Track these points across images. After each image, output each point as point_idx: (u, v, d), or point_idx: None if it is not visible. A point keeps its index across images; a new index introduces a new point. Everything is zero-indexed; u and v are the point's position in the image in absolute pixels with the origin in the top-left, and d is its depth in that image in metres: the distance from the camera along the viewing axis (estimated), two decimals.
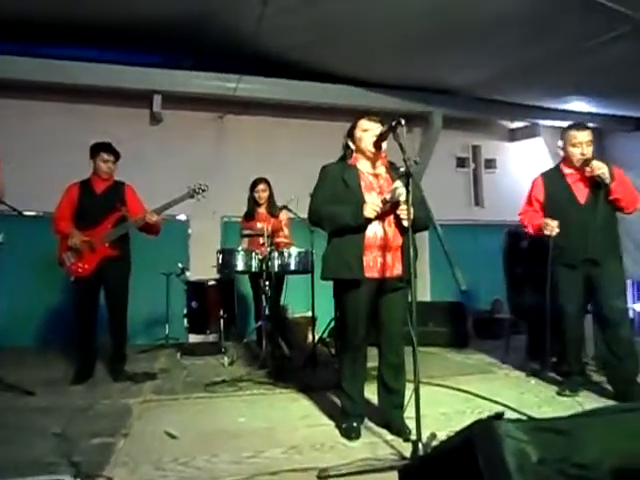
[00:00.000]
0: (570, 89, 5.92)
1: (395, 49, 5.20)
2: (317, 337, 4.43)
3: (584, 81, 5.54)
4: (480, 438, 1.16)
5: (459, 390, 3.29)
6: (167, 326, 5.05)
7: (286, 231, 4.60)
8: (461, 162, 7.23)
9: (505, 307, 5.19)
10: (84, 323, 3.62)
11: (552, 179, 3.26)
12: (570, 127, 3.17)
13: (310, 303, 4.40)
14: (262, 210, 4.66)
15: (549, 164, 7.08)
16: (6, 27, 4.95)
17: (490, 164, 7.33)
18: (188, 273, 4.81)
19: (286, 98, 6.01)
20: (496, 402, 2.94)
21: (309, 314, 5.01)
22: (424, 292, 6.25)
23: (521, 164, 7.40)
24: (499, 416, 1.21)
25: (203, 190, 3.75)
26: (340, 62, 5.64)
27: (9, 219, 3.70)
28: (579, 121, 3.49)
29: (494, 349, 4.59)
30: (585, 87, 5.70)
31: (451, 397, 3.17)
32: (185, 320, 4.64)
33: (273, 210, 4.55)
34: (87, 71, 5.37)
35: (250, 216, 4.62)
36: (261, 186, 4.63)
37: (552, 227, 3.06)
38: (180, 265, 4.84)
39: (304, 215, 4.40)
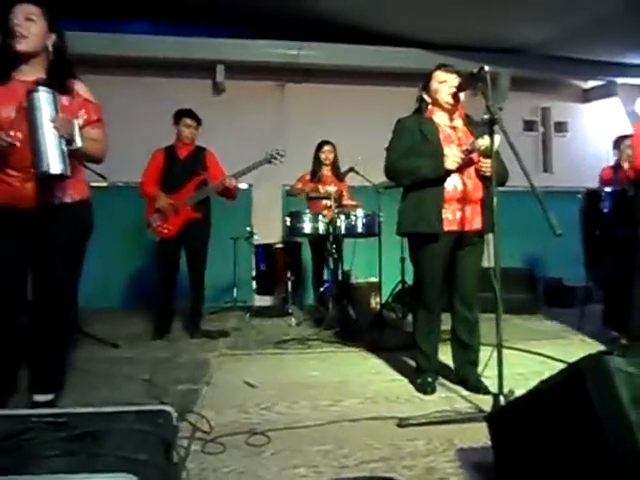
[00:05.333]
0: None
1: (458, 7, 4.98)
2: (383, 301, 4.42)
3: None
4: (590, 372, 1.13)
5: (534, 353, 3.19)
6: (235, 289, 5.22)
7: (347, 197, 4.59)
8: (529, 125, 6.90)
9: None
10: (166, 281, 3.79)
11: None
12: None
13: (373, 268, 4.38)
14: (327, 172, 4.67)
15: (626, 126, 6.65)
16: (77, 5, 5.13)
17: (561, 127, 6.95)
18: (256, 237, 4.91)
19: (348, 63, 5.93)
20: None
21: (372, 279, 5.01)
22: (489, 258, 6.06)
23: (595, 127, 6.97)
24: (609, 352, 1.16)
25: (281, 155, 3.80)
26: (401, 24, 5.47)
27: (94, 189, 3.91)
28: None
29: (567, 316, 4.42)
30: None
31: (526, 359, 3.09)
32: (253, 282, 4.78)
33: (338, 173, 4.54)
34: (153, 44, 5.52)
35: (315, 177, 4.64)
36: (327, 147, 4.66)
37: None
38: (248, 229, 4.95)
39: (369, 177, 4.42)
